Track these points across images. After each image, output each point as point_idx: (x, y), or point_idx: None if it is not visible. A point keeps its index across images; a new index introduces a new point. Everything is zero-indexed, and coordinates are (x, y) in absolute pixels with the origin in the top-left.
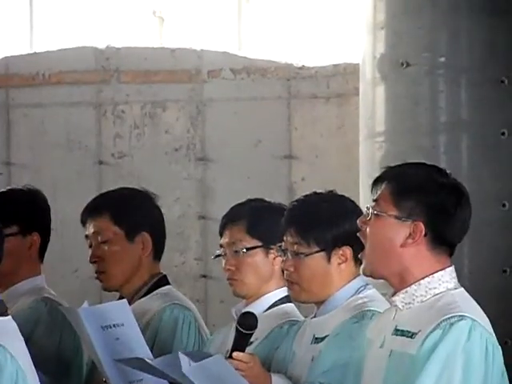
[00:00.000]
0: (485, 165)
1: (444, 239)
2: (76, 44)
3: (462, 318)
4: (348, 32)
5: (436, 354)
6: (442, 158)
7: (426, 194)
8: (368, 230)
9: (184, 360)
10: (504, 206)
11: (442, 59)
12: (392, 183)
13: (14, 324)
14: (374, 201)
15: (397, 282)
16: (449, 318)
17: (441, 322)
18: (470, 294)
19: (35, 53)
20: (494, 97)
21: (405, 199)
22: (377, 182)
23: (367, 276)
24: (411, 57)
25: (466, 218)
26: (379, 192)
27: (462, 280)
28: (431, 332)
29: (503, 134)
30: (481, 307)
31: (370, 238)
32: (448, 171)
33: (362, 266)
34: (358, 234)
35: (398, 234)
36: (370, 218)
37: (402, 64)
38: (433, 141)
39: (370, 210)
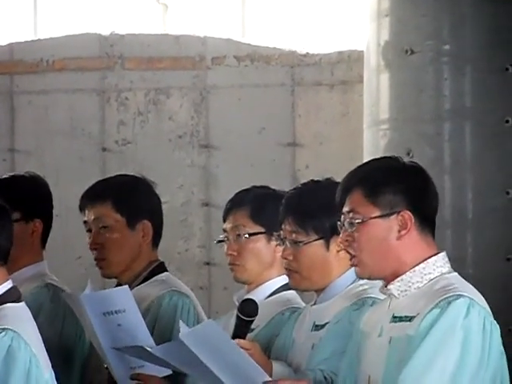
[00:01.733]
0: (489, 152)
1: (427, 217)
2: (80, 30)
3: (460, 296)
4: (352, 19)
5: (434, 330)
6: (446, 146)
7: (397, 183)
8: (358, 239)
9: (184, 328)
10: (508, 193)
11: (447, 47)
12: (360, 187)
13: (28, 310)
14: (349, 212)
15: (393, 276)
16: (447, 298)
17: (439, 302)
18: (474, 282)
19: (39, 39)
20: (498, 84)
21: (381, 196)
22: (342, 194)
23: (363, 279)
24: (415, 44)
25: (435, 192)
26: (350, 201)
27: (465, 268)
28: (429, 311)
29: (507, 121)
30: (485, 295)
31: (363, 245)
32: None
33: (357, 271)
34: (345, 251)
35: (389, 231)
36: (353, 230)
37: (407, 51)
38: (437, 128)
39: (353, 221)
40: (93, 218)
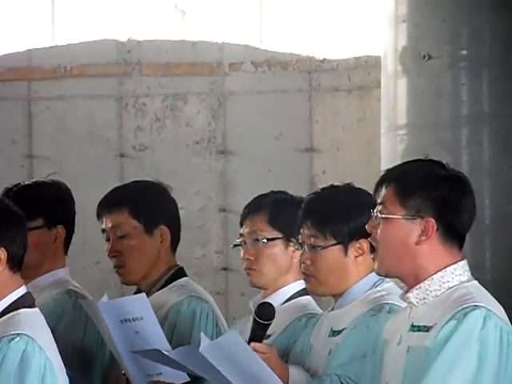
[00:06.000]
0: (506, 158)
1: (454, 231)
2: (98, 37)
3: (476, 307)
4: (369, 25)
5: (450, 342)
6: (464, 152)
7: (430, 190)
8: (379, 233)
9: (205, 341)
10: None
11: (464, 52)
12: (395, 184)
13: (42, 316)
14: (380, 204)
15: (411, 280)
16: (463, 309)
17: (455, 313)
18: (492, 288)
19: (57, 46)
20: None
21: (410, 198)
22: (379, 184)
23: (381, 276)
24: (433, 50)
25: (471, 207)
26: (383, 194)
27: (483, 274)
28: (446, 323)
29: None
30: (503, 301)
31: (383, 241)
32: (445, 162)
33: (376, 267)
34: (369, 239)
35: (410, 234)
36: (378, 222)
37: (424, 57)
38: (454, 134)
39: (378, 214)
40: (110, 225)
